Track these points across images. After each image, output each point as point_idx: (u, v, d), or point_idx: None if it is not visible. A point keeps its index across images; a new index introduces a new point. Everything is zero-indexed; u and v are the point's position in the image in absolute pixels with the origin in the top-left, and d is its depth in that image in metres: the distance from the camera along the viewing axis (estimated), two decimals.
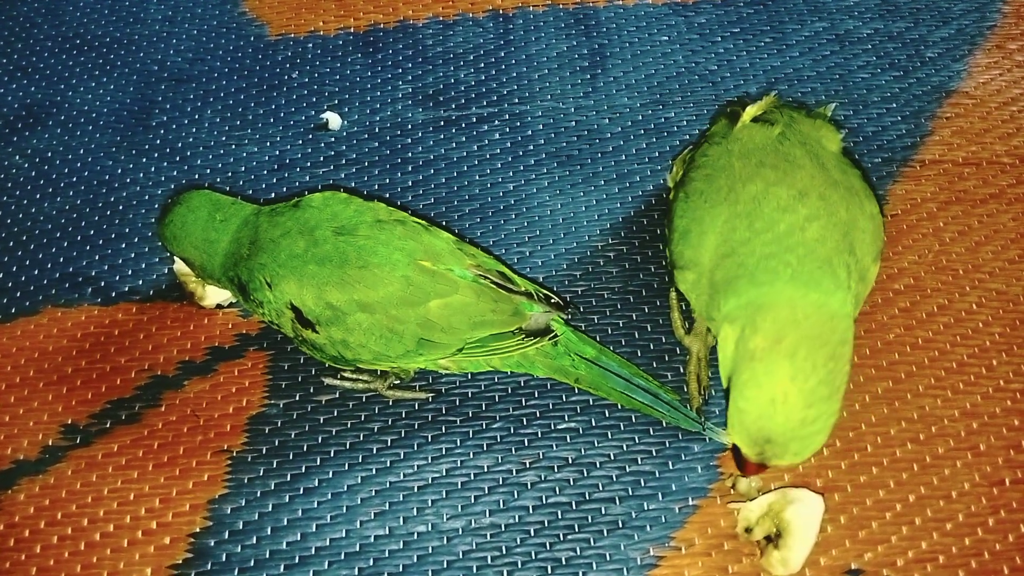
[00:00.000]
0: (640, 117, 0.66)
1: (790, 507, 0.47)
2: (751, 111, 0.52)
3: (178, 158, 0.65)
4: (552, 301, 0.50)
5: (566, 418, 0.52)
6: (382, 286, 0.47)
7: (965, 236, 0.59)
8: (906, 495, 0.49)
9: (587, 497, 0.49)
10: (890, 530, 0.48)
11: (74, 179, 0.64)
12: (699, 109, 0.67)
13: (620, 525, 0.48)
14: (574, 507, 0.49)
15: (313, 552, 0.48)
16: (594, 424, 0.52)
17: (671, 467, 0.50)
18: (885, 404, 0.52)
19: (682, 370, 0.54)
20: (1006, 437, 0.51)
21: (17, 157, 0.65)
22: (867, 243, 0.46)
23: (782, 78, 0.68)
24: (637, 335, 0.55)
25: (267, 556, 0.48)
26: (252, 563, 0.47)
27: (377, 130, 0.66)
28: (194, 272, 0.54)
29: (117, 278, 0.58)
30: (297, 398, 0.53)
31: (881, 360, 0.54)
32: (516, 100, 0.68)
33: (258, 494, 0.50)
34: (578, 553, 0.48)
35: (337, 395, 0.53)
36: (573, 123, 0.66)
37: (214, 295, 0.56)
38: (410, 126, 0.66)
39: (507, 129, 0.66)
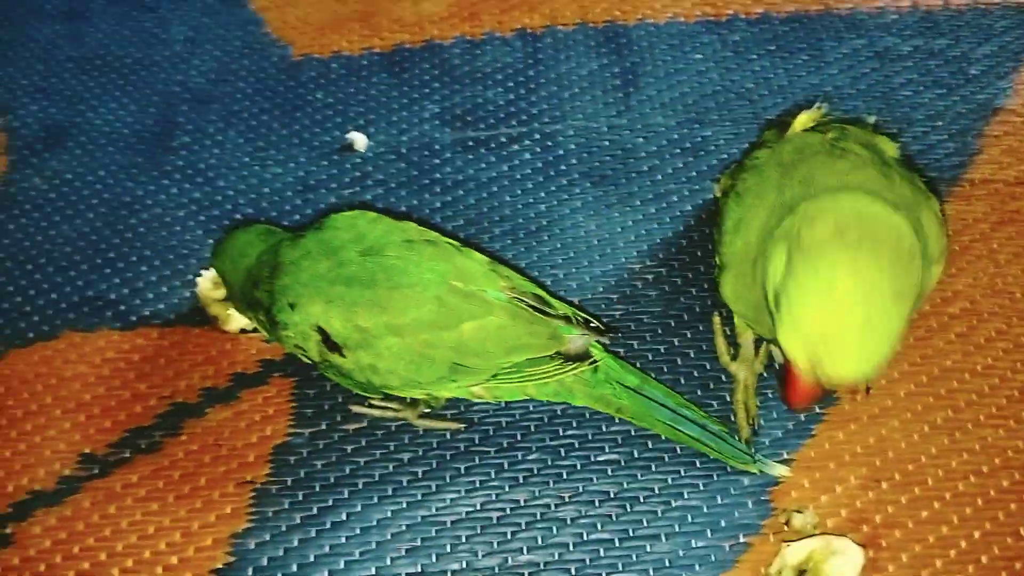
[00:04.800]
0: (676, 136, 0.64)
1: (831, 558, 0.44)
2: (802, 120, 0.50)
3: (200, 180, 0.64)
4: (592, 325, 0.47)
5: (606, 449, 0.49)
6: (413, 308, 0.45)
7: (1021, 258, 0.57)
8: (971, 531, 0.46)
9: (631, 534, 0.47)
10: (955, 569, 0.45)
11: (95, 201, 0.62)
12: (737, 127, 0.65)
13: (667, 564, 0.46)
14: (617, 544, 0.46)
15: None
16: (636, 456, 0.49)
17: (720, 502, 0.47)
18: (945, 435, 0.49)
19: (728, 399, 0.51)
20: None
21: (37, 179, 0.64)
22: (934, 229, 0.43)
23: (822, 96, 0.66)
24: (679, 362, 0.53)
25: None
26: None
27: (404, 151, 0.65)
28: (225, 292, 0.52)
29: (137, 302, 0.57)
30: (324, 427, 0.51)
31: (939, 388, 0.51)
32: (547, 120, 0.66)
33: (283, 528, 0.47)
34: None
35: (365, 424, 0.51)
36: (606, 142, 0.64)
37: (237, 319, 0.54)
38: (438, 147, 0.65)
39: (538, 149, 0.64)
